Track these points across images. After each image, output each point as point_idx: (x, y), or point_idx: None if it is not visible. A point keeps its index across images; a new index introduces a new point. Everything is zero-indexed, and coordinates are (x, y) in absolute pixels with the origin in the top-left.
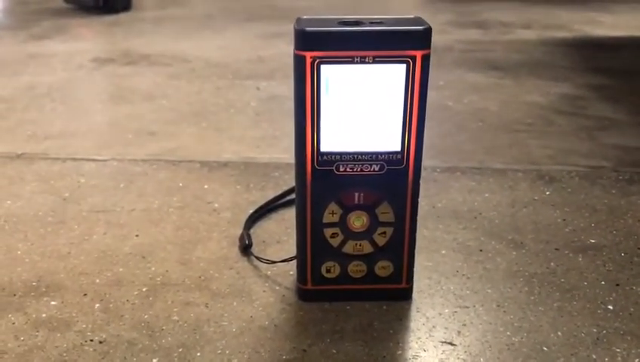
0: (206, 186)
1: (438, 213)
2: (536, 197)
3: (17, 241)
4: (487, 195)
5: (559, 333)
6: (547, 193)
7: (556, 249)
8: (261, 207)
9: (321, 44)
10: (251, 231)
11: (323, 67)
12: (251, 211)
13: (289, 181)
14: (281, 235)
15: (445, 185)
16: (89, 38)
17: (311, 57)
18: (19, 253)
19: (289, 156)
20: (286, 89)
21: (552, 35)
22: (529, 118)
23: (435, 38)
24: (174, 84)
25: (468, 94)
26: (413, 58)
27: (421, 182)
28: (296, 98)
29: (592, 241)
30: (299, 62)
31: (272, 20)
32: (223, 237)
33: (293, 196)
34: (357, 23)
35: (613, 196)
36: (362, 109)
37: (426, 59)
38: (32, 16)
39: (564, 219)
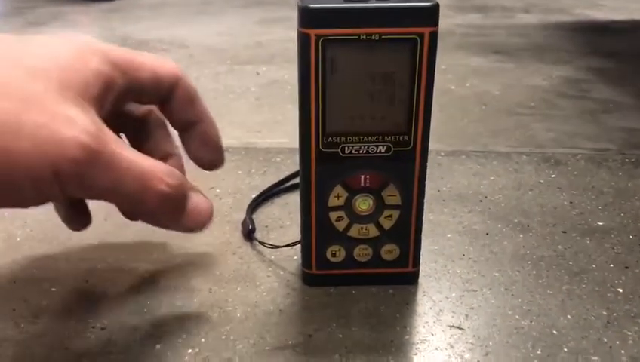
0: (207, 171)
1: (443, 196)
2: (541, 181)
3: (17, 228)
4: (492, 178)
5: (569, 316)
6: (553, 176)
7: (563, 232)
8: (264, 192)
9: (326, 21)
10: (254, 216)
11: (328, 45)
12: (254, 196)
13: (291, 166)
14: (284, 220)
15: (450, 169)
16: (85, 24)
17: (315, 35)
18: (18, 239)
19: (290, 141)
20: (286, 73)
21: (554, 18)
22: (532, 102)
23: None
24: None
25: (470, 78)
26: (421, 35)
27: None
28: (300, 78)
29: (600, 224)
30: (303, 41)
31: (270, 6)
32: (225, 222)
33: (296, 181)
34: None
35: (620, 178)
36: (368, 89)
37: (433, 37)
38: (28, 3)
39: (571, 202)
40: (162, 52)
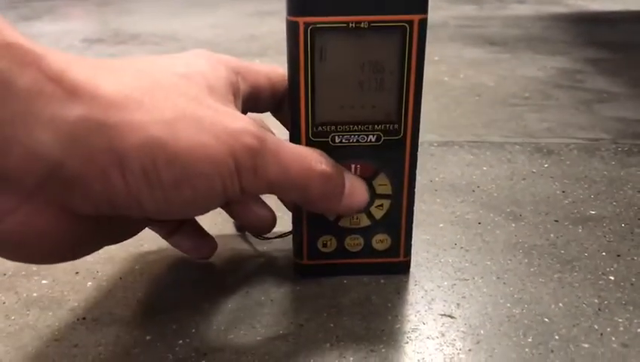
0: None
1: (436, 186)
2: (534, 170)
3: None
4: (485, 168)
5: (560, 304)
6: (545, 165)
7: (555, 220)
8: None
9: (315, 9)
10: None
11: (317, 33)
12: None
13: None
14: (276, 211)
15: (443, 160)
16: (79, 18)
17: (304, 23)
18: None
19: (281, 132)
20: (280, 66)
21: (548, 10)
22: (527, 92)
23: (430, 14)
24: None
25: (464, 69)
26: (410, 23)
27: (418, 156)
28: (289, 66)
29: (592, 213)
30: (292, 29)
31: None
32: (217, 214)
33: None
34: None
35: (613, 167)
36: (358, 77)
37: (423, 24)
38: None
39: (564, 191)
40: (155, 45)
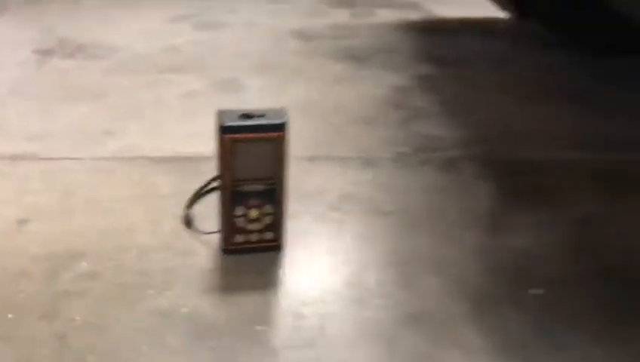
0: (150, 179)
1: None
2: (361, 179)
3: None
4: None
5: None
6: (370, 175)
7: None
8: (197, 193)
9: (232, 130)
10: (192, 210)
11: (235, 143)
12: (190, 196)
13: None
14: (211, 214)
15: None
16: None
17: (229, 138)
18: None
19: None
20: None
21: (406, 16)
22: (370, 111)
23: (311, 23)
24: (112, 81)
25: (330, 88)
26: (279, 135)
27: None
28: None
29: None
30: (222, 140)
31: None
32: (170, 217)
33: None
34: (248, 116)
35: (409, 174)
36: (257, 162)
37: (283, 136)
38: None
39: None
40: (99, 59)
